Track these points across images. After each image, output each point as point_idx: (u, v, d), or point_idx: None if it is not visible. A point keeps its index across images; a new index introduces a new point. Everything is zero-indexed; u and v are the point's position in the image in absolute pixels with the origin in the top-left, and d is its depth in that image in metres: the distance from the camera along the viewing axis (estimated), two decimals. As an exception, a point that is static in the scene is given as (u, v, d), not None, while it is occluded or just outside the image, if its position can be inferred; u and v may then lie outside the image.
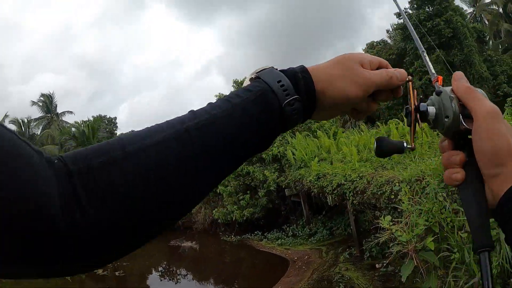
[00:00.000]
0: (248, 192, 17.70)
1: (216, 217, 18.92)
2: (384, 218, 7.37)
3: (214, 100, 0.63)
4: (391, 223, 7.15)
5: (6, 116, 31.16)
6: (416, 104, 0.71)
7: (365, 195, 9.52)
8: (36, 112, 38.34)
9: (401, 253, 6.93)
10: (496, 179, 0.58)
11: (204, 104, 0.62)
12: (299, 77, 0.64)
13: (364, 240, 11.07)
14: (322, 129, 17.13)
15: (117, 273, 16.69)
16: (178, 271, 16.21)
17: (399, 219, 7.14)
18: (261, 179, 16.95)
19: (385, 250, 9.63)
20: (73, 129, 30.82)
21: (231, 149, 0.58)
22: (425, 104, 0.71)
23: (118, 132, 40.22)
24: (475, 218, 0.60)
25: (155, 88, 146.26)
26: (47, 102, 38.15)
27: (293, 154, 15.41)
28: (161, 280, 15.09)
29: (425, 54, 0.97)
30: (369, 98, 0.73)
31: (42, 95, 38.98)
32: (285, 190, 15.98)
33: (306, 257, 12.59)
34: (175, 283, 14.58)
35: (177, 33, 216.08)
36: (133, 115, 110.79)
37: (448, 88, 0.69)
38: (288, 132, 17.06)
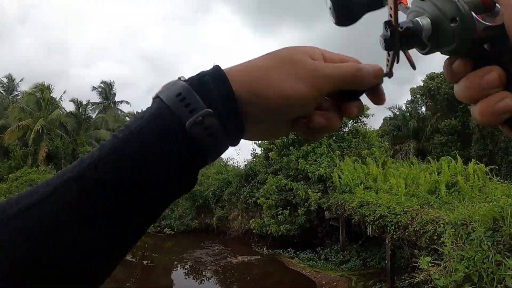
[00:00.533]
0: (288, 208, 17.57)
1: (252, 227, 18.94)
2: (423, 258, 7.09)
3: None
4: (430, 265, 6.87)
5: (64, 92, 34.46)
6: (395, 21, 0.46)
7: (406, 231, 9.19)
8: (94, 97, 40.44)
9: (434, 297, 6.60)
10: None
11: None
12: (207, 81, 0.46)
13: (397, 277, 10.64)
14: (372, 156, 16.75)
15: (145, 262, 17.13)
16: (204, 272, 16.34)
17: (438, 262, 6.83)
18: (303, 197, 16.78)
19: (417, 291, 9.21)
20: (127, 118, 32.12)
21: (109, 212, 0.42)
22: (409, 20, 0.46)
23: None
24: None
25: None
26: (106, 90, 40.07)
27: (339, 177, 15.16)
28: (185, 278, 15.27)
29: None
30: (331, 109, 0.53)
31: (103, 82, 41.11)
32: (325, 212, 15.72)
33: (335, 283, 12.26)
34: (199, 283, 14.66)
35: (240, 40, 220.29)
36: None
37: None
38: (337, 154, 16.86)
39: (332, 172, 15.78)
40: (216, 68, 0.48)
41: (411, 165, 14.58)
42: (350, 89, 0.52)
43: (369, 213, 11.02)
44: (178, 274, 16.11)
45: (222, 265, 16.67)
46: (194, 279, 15.46)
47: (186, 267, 17.05)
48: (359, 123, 19.29)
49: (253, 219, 19.17)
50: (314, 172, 16.81)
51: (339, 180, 15.09)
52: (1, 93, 38.53)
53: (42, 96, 29.41)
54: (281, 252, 17.23)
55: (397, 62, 0.50)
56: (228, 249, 19.78)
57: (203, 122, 0.44)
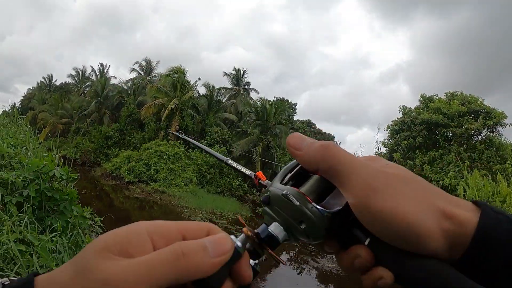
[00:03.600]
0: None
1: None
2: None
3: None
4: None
5: (199, 79, 37.17)
6: (253, 234, 0.47)
7: None
8: (225, 82, 42.08)
9: None
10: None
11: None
12: None
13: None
14: (504, 173, 14.60)
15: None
16: (305, 256, 16.36)
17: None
18: (423, 206, 15.59)
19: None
20: (258, 102, 33.37)
21: None
22: (264, 226, 0.49)
23: (295, 118, 41.56)
24: None
25: (340, 83, 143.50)
26: (238, 76, 41.65)
27: (465, 191, 13.62)
28: (287, 262, 15.31)
29: (230, 161, 0.85)
30: None
31: (234, 69, 42.69)
32: (444, 227, 14.31)
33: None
34: (297, 274, 14.62)
35: (369, 28, 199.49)
36: (311, 105, 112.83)
37: (276, 186, 0.49)
38: (466, 165, 15.14)
39: (458, 184, 14.29)
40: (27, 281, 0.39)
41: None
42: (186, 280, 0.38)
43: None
44: (282, 259, 16.29)
45: (328, 257, 16.51)
46: (294, 269, 15.31)
47: (290, 253, 17.18)
48: (495, 133, 16.91)
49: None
50: (439, 181, 15.44)
51: (464, 194, 13.57)
52: (141, 74, 43.76)
53: (177, 78, 32.37)
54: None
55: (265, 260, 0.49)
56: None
57: None
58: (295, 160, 0.50)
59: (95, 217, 5.37)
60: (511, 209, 11.01)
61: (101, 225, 5.52)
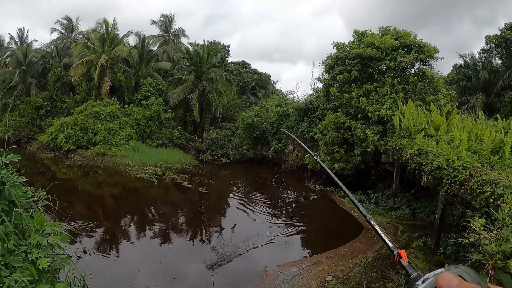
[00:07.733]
0: (345, 146, 17.29)
1: (307, 162, 18.97)
2: (477, 219, 6.58)
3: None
4: (482, 228, 6.37)
5: (130, 31, 33.08)
6: None
7: (462, 188, 8.60)
8: (153, 30, 39.36)
9: (478, 263, 6.19)
10: None
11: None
12: None
13: (443, 234, 10.20)
14: (437, 103, 15.50)
15: (200, 189, 17.87)
16: (255, 197, 16.78)
17: (491, 227, 6.31)
18: (361, 137, 16.34)
19: (461, 253, 8.75)
20: (190, 47, 31.83)
21: None
22: None
23: (230, 60, 40.65)
24: None
25: (272, 20, 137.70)
26: (167, 22, 39.65)
27: (400, 121, 14.33)
28: (237, 208, 15.54)
29: (373, 222, 1.36)
30: None
31: (162, 15, 40.45)
32: (382, 155, 15.17)
33: (381, 230, 12.03)
34: (250, 211, 14.91)
35: None
36: (244, 45, 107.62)
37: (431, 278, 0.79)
38: (401, 96, 15.84)
39: (393, 115, 14.99)
40: None
41: (477, 120, 13.51)
42: None
43: (426, 162, 10.50)
44: (232, 202, 16.58)
45: (277, 197, 16.98)
46: (246, 207, 15.59)
47: (239, 194, 17.47)
48: (427, 66, 17.65)
49: (308, 154, 19.09)
50: (375, 113, 16.10)
51: (399, 124, 14.31)
52: (64, 33, 40.09)
53: (105, 32, 29.78)
54: (332, 190, 17.17)
55: None
56: (284, 182, 20.08)
57: None
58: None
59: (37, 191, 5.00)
60: (444, 136, 11.74)
61: (48, 196, 5.12)
